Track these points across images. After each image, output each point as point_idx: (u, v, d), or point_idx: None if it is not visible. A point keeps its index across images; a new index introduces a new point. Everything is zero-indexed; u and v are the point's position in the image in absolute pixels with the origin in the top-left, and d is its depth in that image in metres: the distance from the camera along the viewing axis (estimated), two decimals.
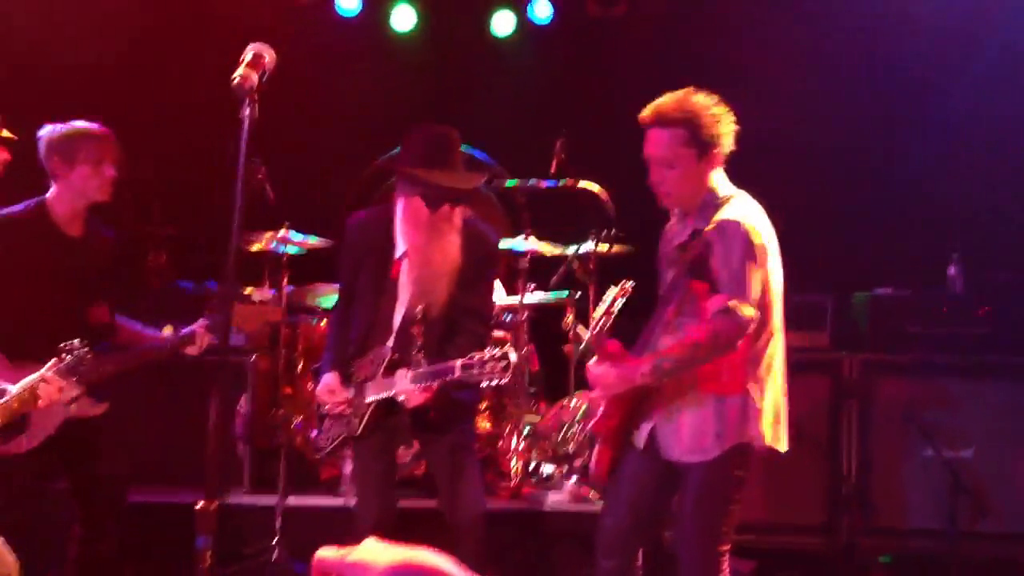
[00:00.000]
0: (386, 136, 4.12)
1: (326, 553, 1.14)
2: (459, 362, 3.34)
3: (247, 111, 2.47)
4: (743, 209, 3.10)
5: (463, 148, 5.66)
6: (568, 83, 6.61)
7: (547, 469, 5.46)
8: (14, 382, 3.22)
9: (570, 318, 5.59)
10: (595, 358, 3.26)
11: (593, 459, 3.32)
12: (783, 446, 3.22)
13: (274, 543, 4.82)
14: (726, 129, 3.11)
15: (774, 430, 3.19)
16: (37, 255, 3.71)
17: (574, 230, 5.50)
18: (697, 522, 3.17)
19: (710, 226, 3.02)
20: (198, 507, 2.38)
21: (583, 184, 5.38)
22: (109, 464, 3.86)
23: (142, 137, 5.82)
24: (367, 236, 3.76)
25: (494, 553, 4.82)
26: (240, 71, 2.50)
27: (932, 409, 4.97)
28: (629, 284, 3.27)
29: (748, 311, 2.98)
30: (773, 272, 3.14)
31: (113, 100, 5.53)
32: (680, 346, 3.07)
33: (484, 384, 3.35)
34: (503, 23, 6.68)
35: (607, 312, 3.23)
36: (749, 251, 3.00)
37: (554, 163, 5.42)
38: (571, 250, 5.43)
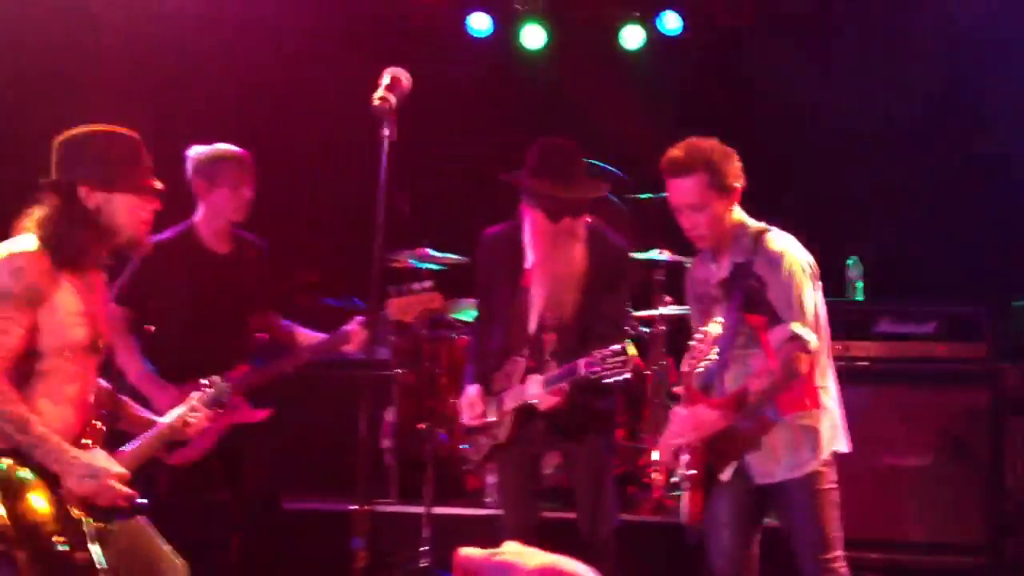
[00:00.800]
0: (519, 152, 4.20)
1: (470, 552, 1.15)
2: (582, 361, 3.43)
3: (386, 132, 2.57)
4: (783, 240, 3.29)
5: (592, 162, 5.73)
6: (699, 93, 6.57)
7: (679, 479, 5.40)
8: (171, 401, 3.40)
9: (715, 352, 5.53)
10: (681, 401, 3.34)
11: (685, 505, 3.36)
12: (849, 446, 3.36)
13: (423, 551, 4.94)
14: (738, 166, 3.31)
15: (842, 434, 3.34)
16: (190, 275, 3.91)
17: None
18: (815, 534, 3.23)
19: (756, 260, 3.20)
20: (352, 510, 2.49)
21: None
22: (266, 473, 4.04)
23: (288, 158, 6.10)
24: (497, 251, 3.84)
25: (637, 565, 4.82)
26: (379, 94, 2.61)
27: None
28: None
29: (811, 335, 3.15)
30: (819, 291, 3.31)
31: (260, 124, 5.81)
32: (758, 380, 3.19)
33: (608, 381, 3.41)
34: (632, 37, 6.69)
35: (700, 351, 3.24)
36: (801, 277, 3.20)
37: None
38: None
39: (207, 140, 4.03)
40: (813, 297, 3.22)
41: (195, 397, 3.19)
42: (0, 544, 2.70)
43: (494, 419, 3.76)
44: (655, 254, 5.47)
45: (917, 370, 4.90)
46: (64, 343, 2.82)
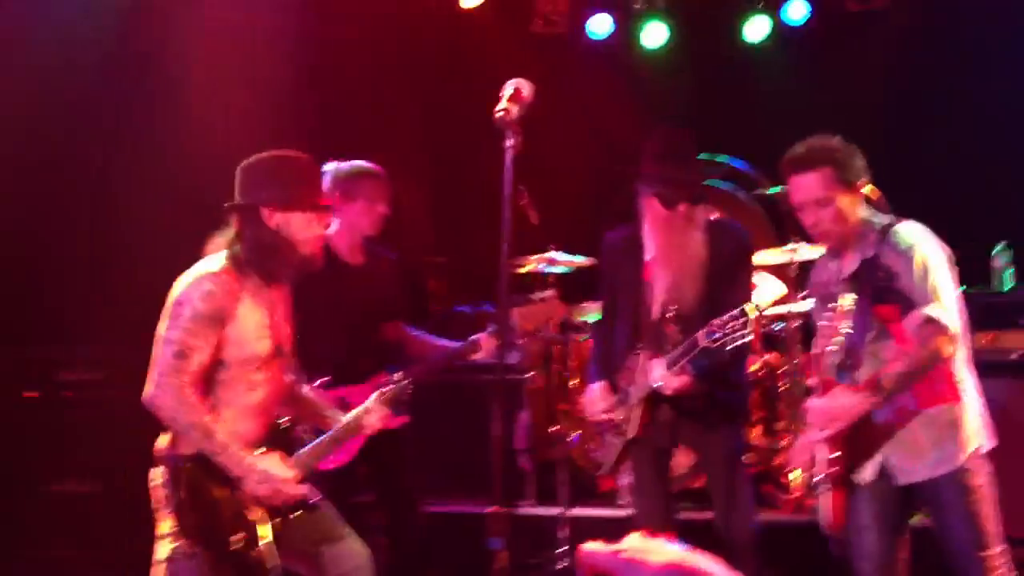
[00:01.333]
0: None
1: (594, 547, 1.15)
2: (701, 332, 3.42)
3: (510, 142, 2.62)
4: (912, 230, 3.20)
5: (720, 158, 5.65)
6: (828, 82, 6.41)
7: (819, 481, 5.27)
8: (319, 408, 3.53)
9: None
10: (815, 391, 3.24)
11: (825, 507, 3.25)
12: (994, 441, 3.24)
13: (560, 552, 4.98)
14: (862, 163, 3.25)
15: (990, 428, 3.23)
16: (326, 287, 4.05)
17: None
18: (970, 532, 3.11)
19: (884, 252, 3.13)
20: (490, 511, 2.55)
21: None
22: (410, 475, 4.16)
23: (417, 172, 6.25)
24: (619, 253, 3.86)
25: (777, 567, 4.73)
26: (502, 105, 2.66)
27: None
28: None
29: (949, 320, 3.05)
30: (954, 280, 3.20)
31: (389, 138, 5.98)
32: (894, 362, 3.10)
33: (731, 347, 3.37)
34: (756, 29, 6.58)
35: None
36: (934, 263, 3.11)
37: None
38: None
39: (337, 153, 4.18)
40: (950, 283, 3.13)
41: (374, 396, 3.37)
42: (183, 540, 2.95)
43: (622, 416, 3.75)
44: (788, 248, 5.36)
45: None
46: (248, 355, 3.02)
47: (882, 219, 3.26)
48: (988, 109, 5.95)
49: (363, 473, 4.10)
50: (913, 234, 3.18)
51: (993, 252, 5.05)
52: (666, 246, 3.65)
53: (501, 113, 2.64)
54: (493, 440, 2.89)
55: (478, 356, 3.95)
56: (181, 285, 3.03)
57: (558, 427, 5.39)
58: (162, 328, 3.00)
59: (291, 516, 3.10)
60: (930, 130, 6.03)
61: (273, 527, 3.05)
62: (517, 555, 4.80)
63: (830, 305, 3.16)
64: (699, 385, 3.56)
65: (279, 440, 3.15)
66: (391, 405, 3.39)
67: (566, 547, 4.96)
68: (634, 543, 1.14)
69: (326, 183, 4.08)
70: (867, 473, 3.21)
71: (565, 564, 4.95)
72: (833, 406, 3.12)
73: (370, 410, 3.33)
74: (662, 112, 6.46)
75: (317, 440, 3.27)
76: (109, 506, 5.21)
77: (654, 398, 3.67)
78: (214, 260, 3.07)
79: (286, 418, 3.22)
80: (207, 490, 2.98)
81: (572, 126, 6.52)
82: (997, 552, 3.10)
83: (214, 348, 2.98)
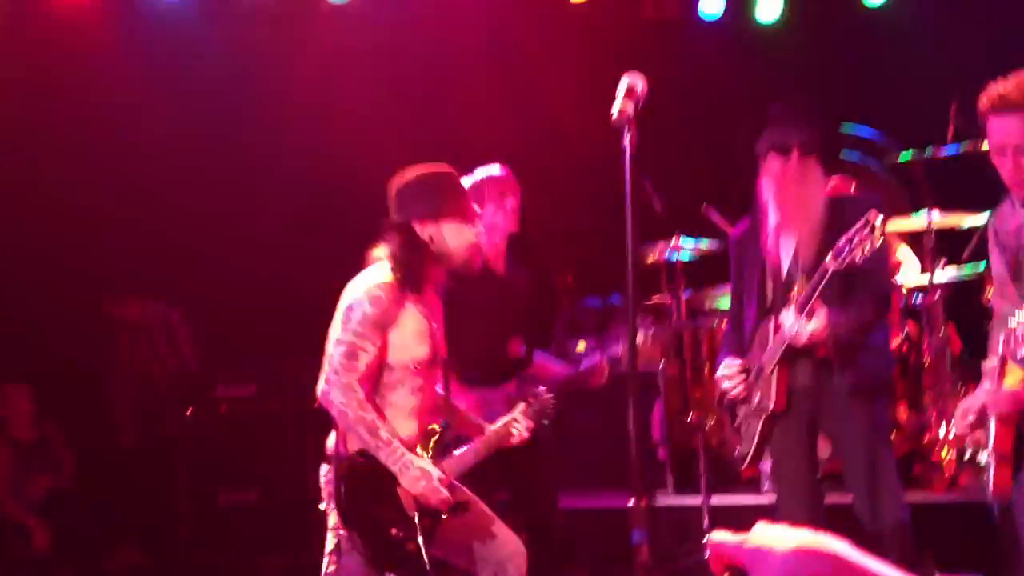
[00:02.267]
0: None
1: (722, 537, 1.14)
2: (828, 258, 3.31)
3: (627, 139, 2.62)
4: None
5: (850, 127, 5.49)
6: (953, 40, 6.13)
7: (985, 457, 5.07)
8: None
9: (991, 291, 5.17)
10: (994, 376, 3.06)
11: (991, 479, 3.12)
12: None
13: (703, 543, 4.93)
14: None
15: None
16: (474, 291, 4.13)
17: (984, 196, 5.09)
18: None
19: None
20: (630, 504, 2.55)
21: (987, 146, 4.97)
22: (547, 472, 4.19)
23: (538, 173, 6.28)
24: (744, 238, 3.79)
25: (931, 549, 4.57)
26: (617, 105, 2.65)
27: None
28: None
29: None
30: None
31: (505, 141, 6.01)
32: None
33: (860, 258, 3.25)
34: None
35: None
36: None
37: (951, 128, 5.08)
38: (983, 218, 5.03)
39: (457, 162, 4.24)
40: None
41: (520, 408, 3.48)
42: (346, 531, 3.17)
43: (759, 393, 3.64)
44: (924, 216, 5.16)
45: None
46: (410, 359, 3.22)
47: None
48: None
49: (498, 472, 4.15)
50: None
51: None
52: (785, 200, 3.58)
53: (616, 114, 2.64)
54: (629, 433, 2.90)
55: (594, 382, 4.00)
56: (352, 291, 3.25)
57: (693, 415, 5.34)
58: (334, 330, 3.23)
59: (444, 516, 3.25)
60: None
61: (428, 524, 3.21)
62: (659, 547, 4.82)
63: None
64: (836, 330, 3.42)
65: (433, 444, 3.31)
66: (537, 418, 3.49)
67: (707, 537, 4.91)
68: (760, 531, 1.11)
69: None
70: None
71: (708, 555, 4.90)
72: (1005, 393, 2.98)
73: (517, 421, 3.45)
74: (783, 88, 6.30)
75: (464, 448, 3.39)
76: (267, 515, 5.45)
77: (791, 357, 3.54)
78: (381, 269, 3.27)
79: (440, 424, 3.37)
80: (369, 485, 3.18)
81: (690, 110, 6.43)
82: None
83: (380, 351, 3.17)
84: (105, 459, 5.88)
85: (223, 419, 5.69)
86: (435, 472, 3.19)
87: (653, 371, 5.39)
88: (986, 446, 3.12)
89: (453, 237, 3.28)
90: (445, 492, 3.20)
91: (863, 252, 3.25)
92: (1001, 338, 2.98)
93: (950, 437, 4.99)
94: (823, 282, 3.36)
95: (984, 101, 3.07)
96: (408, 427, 3.24)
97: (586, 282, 6.24)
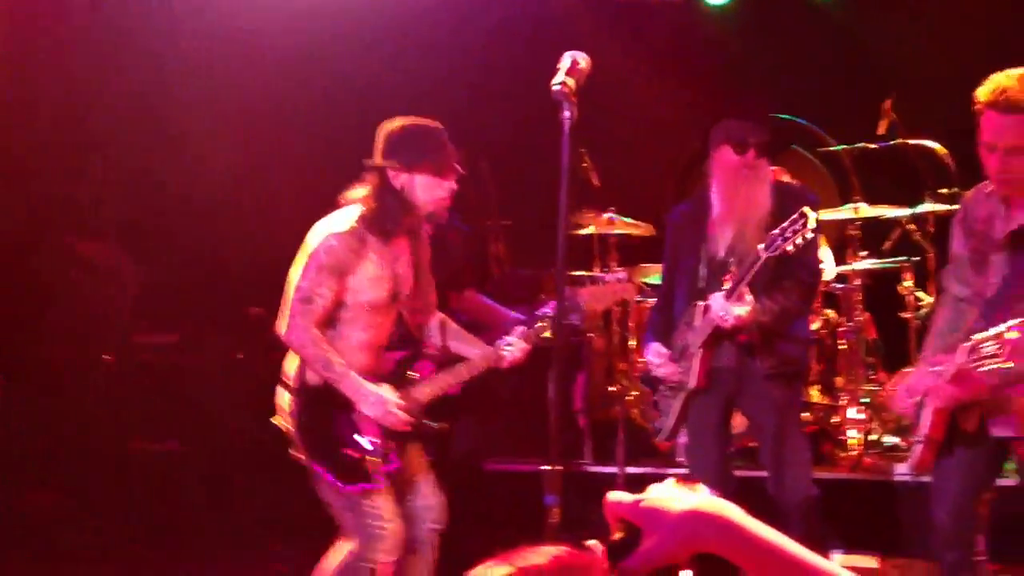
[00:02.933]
0: (709, 115, 4.20)
1: (618, 496, 1.20)
2: (760, 246, 3.42)
3: (567, 114, 2.67)
4: None
5: (785, 116, 5.61)
6: (893, 38, 6.28)
7: (889, 440, 5.29)
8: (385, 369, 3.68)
9: (908, 283, 5.36)
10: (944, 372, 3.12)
11: (916, 456, 3.25)
12: None
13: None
14: None
15: None
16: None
17: (908, 191, 5.26)
18: None
19: None
20: (546, 469, 2.65)
21: (920, 142, 5.14)
22: (468, 436, 4.27)
23: (477, 137, 6.30)
24: (684, 219, 3.88)
25: (835, 525, 4.76)
26: (558, 79, 2.71)
27: None
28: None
29: None
30: None
31: (448, 108, 6.02)
32: None
33: (792, 249, 3.35)
34: None
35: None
36: None
37: (883, 123, 5.22)
38: (905, 213, 5.21)
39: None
40: None
41: (519, 331, 3.64)
42: (309, 455, 3.39)
43: (682, 371, 3.75)
44: (849, 207, 5.32)
45: None
46: (366, 300, 3.40)
47: None
48: None
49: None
50: None
51: None
52: (732, 194, 3.68)
53: (558, 87, 2.69)
54: (551, 400, 3.01)
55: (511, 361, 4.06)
56: (313, 237, 3.39)
57: (617, 387, 5.47)
58: (294, 274, 3.40)
59: (409, 438, 3.47)
60: None
61: (393, 446, 3.42)
62: (572, 511, 4.93)
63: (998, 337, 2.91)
64: (761, 318, 3.53)
65: (396, 377, 3.49)
66: (531, 341, 3.63)
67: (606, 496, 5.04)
68: (657, 491, 1.18)
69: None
70: (969, 425, 3.13)
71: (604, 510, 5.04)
72: (962, 393, 3.03)
73: (510, 344, 3.59)
74: (727, 72, 6.41)
75: (433, 377, 3.55)
76: (186, 464, 5.44)
77: (715, 339, 3.66)
78: (343, 217, 3.40)
79: (407, 354, 3.55)
80: (327, 413, 3.39)
81: (633, 90, 6.49)
82: None
83: (337, 293, 3.36)
84: (26, 395, 5.80)
85: (144, 366, 5.66)
86: (391, 397, 3.37)
87: (592, 332, 5.48)
88: (914, 426, 3.22)
89: (423, 190, 3.40)
90: (403, 415, 3.38)
91: (795, 243, 3.36)
92: (967, 347, 2.96)
93: (859, 420, 5.20)
94: (753, 269, 3.46)
95: (986, 93, 2.99)
96: (361, 358, 3.41)
97: (520, 252, 6.31)
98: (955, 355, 3.00)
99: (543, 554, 1.19)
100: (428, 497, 3.55)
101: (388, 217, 3.39)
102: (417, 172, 3.39)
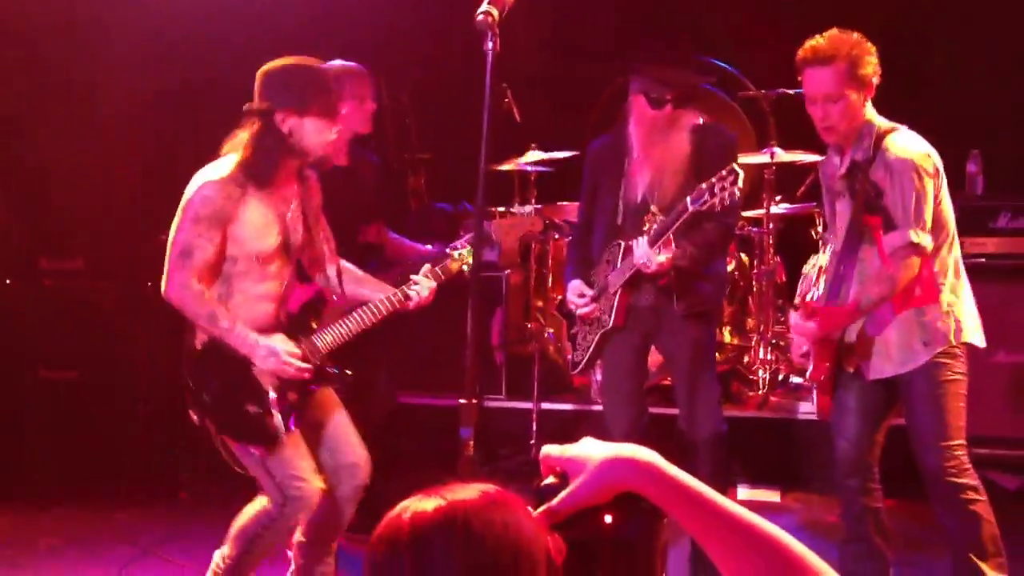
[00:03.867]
0: (628, 52, 4.20)
1: (550, 450, 1.31)
2: (688, 198, 3.44)
3: (489, 45, 2.64)
4: (904, 142, 3.24)
5: (704, 58, 5.63)
6: None
7: (796, 379, 5.46)
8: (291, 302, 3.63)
9: (820, 228, 5.49)
10: (800, 312, 3.34)
11: (816, 402, 3.45)
12: (982, 341, 3.35)
13: (530, 444, 5.15)
14: (875, 61, 3.28)
15: (972, 327, 3.32)
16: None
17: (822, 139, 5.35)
18: (930, 422, 3.25)
19: (875, 165, 3.21)
20: (461, 403, 2.66)
21: None
22: (383, 370, 4.26)
23: (398, 70, 6.19)
24: (603, 155, 3.87)
25: (744, 462, 4.92)
26: (483, 8, 2.67)
27: None
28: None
29: (926, 239, 3.17)
30: (944, 189, 3.28)
31: (369, 40, 5.90)
32: (876, 282, 3.23)
33: (719, 206, 3.39)
34: None
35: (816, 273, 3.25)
36: (918, 184, 3.18)
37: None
38: (820, 159, 5.31)
39: (321, 56, 4.15)
40: (930, 201, 3.20)
41: (425, 269, 3.54)
42: (201, 416, 3.26)
43: (601, 309, 3.78)
44: (766, 151, 5.40)
45: None
46: (253, 251, 3.23)
47: (882, 123, 3.30)
48: (972, 18, 5.93)
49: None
50: (905, 148, 3.23)
51: (968, 158, 5.13)
52: (650, 144, 3.68)
53: (481, 16, 2.65)
54: (468, 335, 3.00)
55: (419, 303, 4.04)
56: (189, 188, 3.22)
57: (533, 324, 5.51)
58: (172, 228, 3.22)
59: (311, 388, 3.35)
60: (921, 37, 6.01)
61: (294, 399, 3.30)
62: (487, 446, 5.00)
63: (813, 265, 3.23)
64: (681, 262, 3.57)
65: (296, 326, 3.36)
66: (438, 279, 3.56)
67: (533, 440, 5.13)
68: (582, 442, 1.29)
69: None
70: (850, 366, 3.36)
71: (531, 455, 5.12)
72: (816, 329, 3.24)
73: (415, 283, 3.50)
74: (649, 11, 6.39)
75: (334, 325, 3.43)
76: (86, 393, 5.33)
77: (635, 281, 3.70)
78: (221, 165, 3.22)
79: (308, 306, 3.43)
80: (222, 370, 3.24)
81: (555, 25, 6.44)
82: (956, 444, 3.23)
83: (218, 246, 3.19)
84: None
85: (46, 292, 5.49)
86: (284, 347, 3.24)
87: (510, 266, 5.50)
88: (813, 373, 3.39)
89: (313, 134, 3.24)
90: (299, 364, 3.25)
91: (722, 202, 3.38)
92: (801, 280, 3.25)
93: (767, 360, 5.35)
94: (680, 221, 3.48)
95: (799, 55, 3.30)
96: (259, 313, 3.28)
97: (438, 187, 6.27)
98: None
99: (472, 489, 1.24)
100: (351, 454, 3.43)
101: (268, 162, 3.21)
102: (307, 115, 3.21)
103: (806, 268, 3.27)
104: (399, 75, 6.21)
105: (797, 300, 3.33)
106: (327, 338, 3.38)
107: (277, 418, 3.24)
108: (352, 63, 4.12)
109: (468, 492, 1.23)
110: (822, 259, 3.19)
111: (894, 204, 3.18)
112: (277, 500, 3.26)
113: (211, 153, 3.29)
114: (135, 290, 5.52)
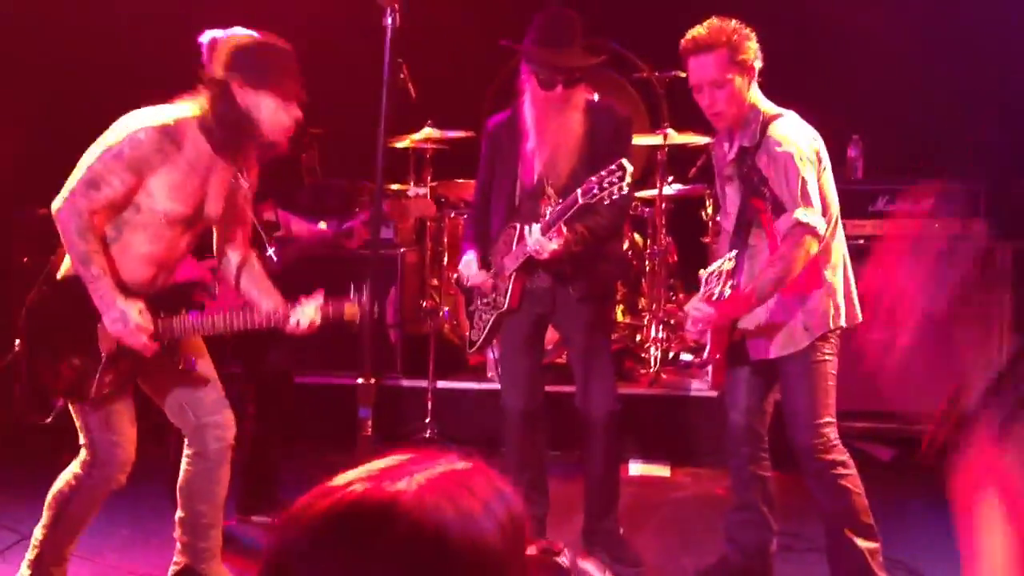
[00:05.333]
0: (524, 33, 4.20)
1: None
2: (578, 191, 3.46)
3: (389, 20, 2.61)
4: (787, 128, 3.32)
5: (599, 40, 5.67)
6: None
7: (686, 357, 5.58)
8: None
9: (709, 210, 5.62)
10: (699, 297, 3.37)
11: (711, 375, 3.59)
12: (859, 317, 3.46)
13: (426, 423, 5.15)
14: (755, 46, 3.36)
15: (851, 309, 3.43)
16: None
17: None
18: (802, 401, 3.38)
19: (760, 151, 3.29)
20: (359, 383, 2.65)
21: None
22: (281, 349, 4.18)
23: (291, 42, 6.05)
24: (500, 133, 3.87)
25: (634, 438, 5.02)
26: None
27: None
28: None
29: (817, 220, 3.23)
30: (827, 173, 3.38)
31: (261, 11, 5.75)
32: (769, 265, 3.29)
33: (608, 201, 3.42)
34: None
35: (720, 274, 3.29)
36: (803, 165, 3.25)
37: None
38: (711, 141, 5.42)
39: (213, 18, 4.02)
40: (816, 183, 3.28)
41: (318, 303, 3.36)
42: (26, 342, 3.17)
43: (496, 289, 3.79)
44: (659, 133, 5.49)
45: (912, 248, 5.00)
46: (162, 210, 3.12)
47: (768, 108, 3.38)
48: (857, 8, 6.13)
49: (232, 344, 4.12)
50: (788, 134, 3.30)
51: (849, 143, 5.32)
52: (543, 124, 3.69)
53: None
54: (364, 314, 2.98)
55: (350, 244, 3.98)
56: (123, 121, 3.09)
57: (429, 302, 5.50)
58: (89, 151, 3.08)
59: (146, 363, 3.21)
60: (804, 24, 6.18)
61: (124, 366, 3.18)
62: (384, 425, 4.98)
63: (716, 270, 3.26)
64: (574, 248, 3.59)
65: (164, 301, 3.22)
66: (328, 318, 3.39)
67: (428, 419, 5.13)
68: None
69: (205, 56, 3.95)
70: (740, 345, 3.47)
71: (430, 434, 5.13)
72: (713, 315, 3.28)
73: (305, 311, 3.33)
74: None
75: (205, 314, 3.29)
76: None
77: (529, 266, 3.72)
78: (163, 112, 3.11)
79: (188, 281, 3.33)
80: (68, 310, 3.13)
81: (452, 5, 6.40)
82: (825, 422, 3.38)
83: (128, 190, 3.07)
84: None
85: None
86: (136, 317, 3.09)
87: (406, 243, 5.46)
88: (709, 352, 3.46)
89: (269, 113, 3.14)
90: (143, 339, 3.12)
91: (610, 195, 3.39)
92: (704, 276, 3.30)
93: (658, 338, 5.45)
94: (570, 212, 3.50)
95: (681, 45, 3.37)
96: (139, 271, 3.17)
97: (333, 163, 6.17)
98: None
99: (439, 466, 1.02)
100: (213, 413, 3.34)
101: (226, 133, 3.11)
102: (264, 93, 3.11)
103: (705, 273, 3.28)
104: (290, 46, 6.08)
105: (703, 297, 3.35)
106: (188, 323, 3.24)
107: (97, 382, 3.13)
108: (245, 30, 3.99)
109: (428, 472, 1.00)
110: (727, 265, 3.22)
111: (780, 191, 3.26)
112: (87, 460, 3.21)
113: (95, 128, 3.15)
114: (8, 264, 5.32)
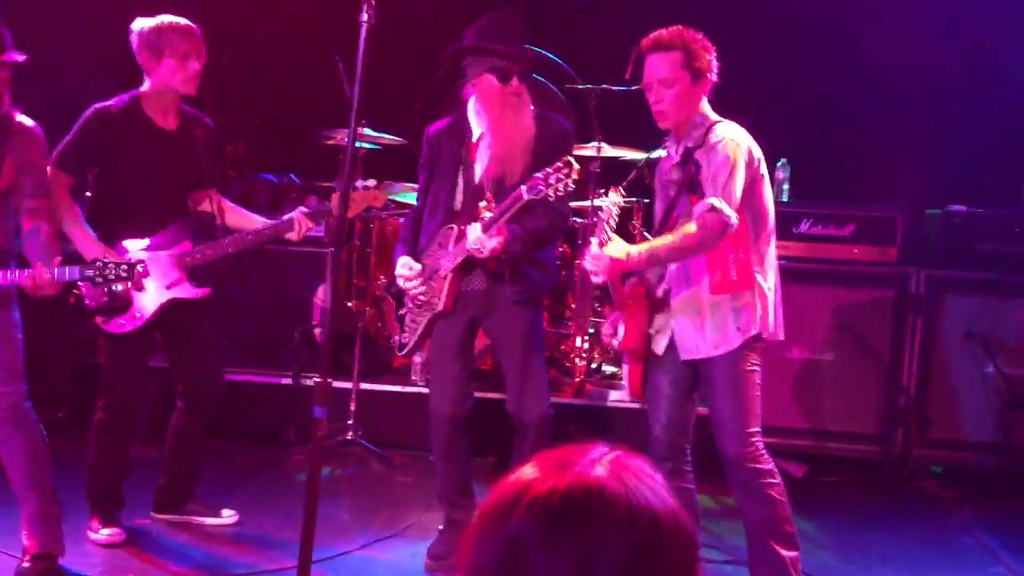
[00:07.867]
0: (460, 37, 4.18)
1: None
2: (523, 187, 3.46)
3: (365, 16, 2.57)
4: (727, 130, 3.39)
5: (535, 49, 5.68)
6: None
7: (609, 369, 5.62)
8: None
9: (636, 223, 5.67)
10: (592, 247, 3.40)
11: (627, 378, 3.55)
12: (783, 335, 3.51)
13: (349, 424, 5.08)
14: (712, 59, 3.42)
15: (777, 320, 3.47)
16: (134, 148, 3.86)
17: (644, 137, 5.52)
18: (731, 410, 3.38)
19: (701, 148, 3.34)
20: (316, 381, 2.59)
21: None
22: (211, 346, 4.07)
23: (224, 30, 5.93)
24: (442, 137, 3.84)
25: (560, 445, 5.02)
26: None
27: (996, 326, 5.00)
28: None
29: (729, 211, 3.25)
30: (766, 183, 3.44)
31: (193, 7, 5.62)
32: (673, 237, 3.33)
33: (553, 196, 3.43)
34: None
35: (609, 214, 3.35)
36: (732, 163, 3.30)
37: (630, 68, 5.42)
38: (642, 157, 5.48)
39: (148, 12, 3.91)
40: (740, 182, 3.30)
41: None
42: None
43: (429, 292, 3.77)
44: (591, 146, 5.53)
45: (832, 271, 5.14)
46: None
47: (714, 116, 3.43)
48: (784, 28, 6.27)
49: (157, 340, 4.00)
50: (725, 133, 3.36)
51: (777, 166, 5.43)
52: (499, 120, 3.68)
53: None
54: (290, 314, 2.93)
55: (291, 236, 3.90)
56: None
57: (354, 303, 5.43)
58: None
59: None
60: (741, 45, 6.29)
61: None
62: (305, 425, 4.89)
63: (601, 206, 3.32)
64: (512, 247, 3.59)
65: None
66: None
67: (351, 420, 5.06)
68: None
69: (132, 43, 3.84)
70: (660, 346, 3.47)
71: (352, 436, 5.06)
72: (606, 256, 3.30)
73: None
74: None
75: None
76: None
77: (467, 266, 3.70)
78: None
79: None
80: None
81: (392, 7, 6.34)
82: (754, 431, 3.39)
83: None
84: None
85: None
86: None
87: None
88: (621, 344, 3.48)
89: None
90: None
91: (556, 192, 3.41)
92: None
93: (583, 349, 5.48)
94: (513, 209, 3.49)
95: (643, 44, 3.42)
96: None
97: (263, 156, 6.06)
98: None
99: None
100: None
101: None
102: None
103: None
104: (222, 34, 5.96)
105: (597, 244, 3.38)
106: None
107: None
108: (176, 18, 3.89)
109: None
110: (609, 200, 3.30)
111: (706, 179, 3.30)
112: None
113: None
114: None
